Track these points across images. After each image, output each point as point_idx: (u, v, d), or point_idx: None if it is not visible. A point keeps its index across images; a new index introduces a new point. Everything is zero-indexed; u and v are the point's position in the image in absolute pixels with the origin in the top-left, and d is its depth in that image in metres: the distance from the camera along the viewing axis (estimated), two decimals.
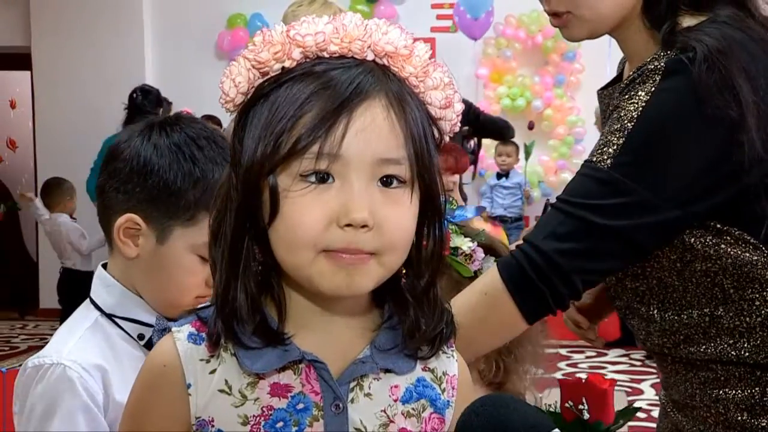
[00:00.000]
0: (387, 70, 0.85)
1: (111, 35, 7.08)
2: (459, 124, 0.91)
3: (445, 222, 1.25)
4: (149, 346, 1.21)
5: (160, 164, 1.19)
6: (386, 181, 0.82)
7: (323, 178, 0.81)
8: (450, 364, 0.93)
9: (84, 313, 1.24)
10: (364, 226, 0.80)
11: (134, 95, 5.29)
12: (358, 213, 0.79)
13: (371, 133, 0.81)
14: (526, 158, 5.80)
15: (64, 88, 7.12)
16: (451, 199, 1.29)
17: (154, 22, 7.28)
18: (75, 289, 5.31)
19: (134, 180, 1.20)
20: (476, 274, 1.28)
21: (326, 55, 0.84)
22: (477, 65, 6.87)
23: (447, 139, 0.90)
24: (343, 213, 0.80)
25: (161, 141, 1.21)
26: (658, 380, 5.11)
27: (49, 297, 6.87)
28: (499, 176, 6.64)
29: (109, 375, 1.16)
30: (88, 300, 1.25)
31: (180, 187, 1.19)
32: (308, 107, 0.81)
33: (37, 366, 1.16)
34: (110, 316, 1.22)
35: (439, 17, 6.81)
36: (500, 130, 5.91)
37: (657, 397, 4.83)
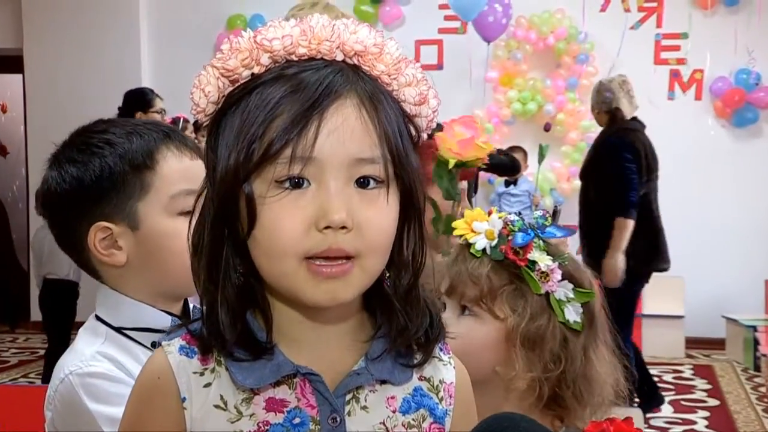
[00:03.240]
0: (358, 70, 0.87)
1: (106, 37, 7.12)
2: (435, 121, 0.92)
3: (532, 233, 1.27)
4: None
5: (81, 168, 1.25)
6: (363, 182, 0.84)
7: (298, 183, 0.82)
8: (446, 371, 0.94)
9: (92, 329, 1.27)
10: (343, 228, 0.82)
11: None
12: (336, 214, 0.81)
13: (344, 133, 0.82)
14: (540, 161, 5.80)
15: (57, 91, 7.15)
16: (547, 215, 1.32)
17: (151, 23, 7.32)
18: (68, 300, 5.31)
19: (73, 199, 1.25)
20: (548, 297, 1.28)
21: (295, 59, 0.85)
22: (486, 68, 6.88)
23: (424, 136, 0.92)
24: (321, 215, 0.81)
25: (70, 154, 1.28)
26: (675, 397, 5.13)
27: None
28: (507, 183, 6.65)
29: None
30: (92, 318, 1.29)
31: (111, 170, 1.24)
32: (279, 111, 0.82)
33: (66, 380, 1.19)
34: (119, 330, 1.25)
35: (447, 18, 6.83)
36: (511, 170, 6.05)
37: (675, 415, 4.83)
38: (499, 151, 4.72)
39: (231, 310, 0.85)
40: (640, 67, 6.64)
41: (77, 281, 5.29)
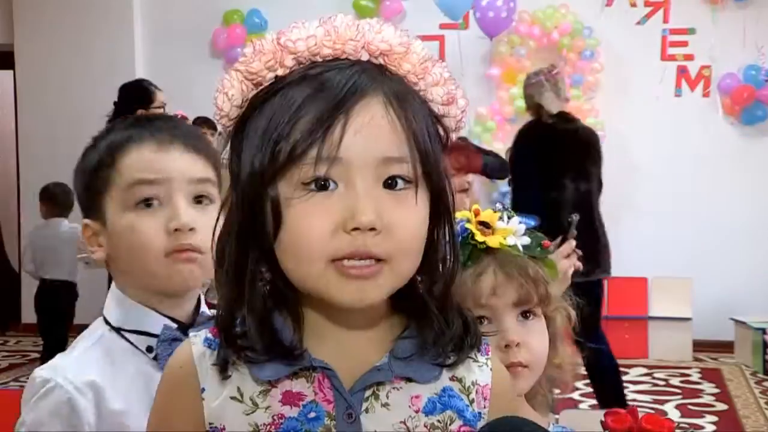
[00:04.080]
0: (384, 69, 0.86)
1: (99, 32, 7.10)
2: (465, 121, 0.92)
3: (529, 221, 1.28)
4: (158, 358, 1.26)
5: (74, 181, 1.33)
6: (391, 182, 0.83)
7: (324, 185, 0.82)
8: (482, 373, 0.94)
9: (92, 329, 1.29)
10: (372, 230, 0.81)
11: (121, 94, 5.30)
12: (365, 215, 0.81)
13: (370, 131, 0.82)
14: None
15: (48, 88, 7.14)
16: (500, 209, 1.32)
17: (145, 18, 7.30)
18: (67, 302, 5.29)
19: (77, 192, 1.34)
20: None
21: (319, 59, 0.85)
22: (488, 65, 6.87)
23: (453, 137, 0.92)
24: (349, 217, 0.81)
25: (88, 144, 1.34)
26: (683, 401, 5.11)
27: (31, 311, 6.87)
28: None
29: (103, 391, 1.19)
30: (100, 317, 1.31)
31: (86, 166, 1.30)
32: (304, 111, 0.82)
33: (37, 379, 1.21)
34: (118, 330, 1.26)
35: None
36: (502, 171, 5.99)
37: (682, 420, 4.82)
38: (486, 151, 4.68)
39: (260, 317, 0.87)
40: (646, 64, 6.64)
41: (75, 282, 5.28)
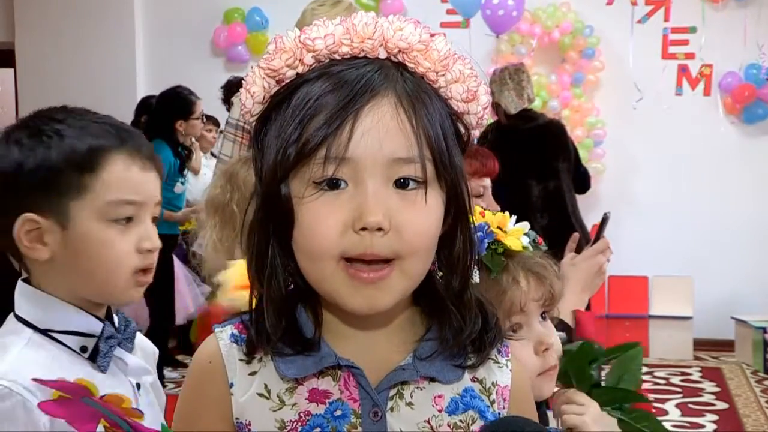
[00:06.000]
0: (402, 67, 0.87)
1: (100, 30, 7.10)
2: (487, 118, 0.92)
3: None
4: (94, 357, 1.23)
5: (24, 153, 1.23)
6: (403, 182, 0.84)
7: (335, 184, 0.83)
8: (502, 374, 0.95)
9: (12, 332, 1.23)
10: (380, 230, 0.82)
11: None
12: (372, 216, 0.82)
13: (378, 133, 0.83)
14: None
15: (49, 86, 7.13)
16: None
17: (146, 16, 7.29)
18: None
19: (9, 183, 1.23)
20: None
21: (338, 57, 0.86)
22: (490, 63, 6.87)
23: (476, 134, 0.92)
24: (357, 216, 0.82)
25: (19, 135, 1.25)
26: (683, 400, 5.11)
27: None
28: None
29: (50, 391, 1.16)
30: (12, 319, 1.25)
31: (52, 163, 1.22)
32: (317, 109, 0.84)
33: None
34: (45, 333, 1.22)
35: (449, 11, 6.80)
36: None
37: (682, 419, 4.82)
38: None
39: (277, 309, 0.88)
40: (647, 62, 6.64)
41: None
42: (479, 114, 0.91)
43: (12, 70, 7.57)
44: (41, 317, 1.23)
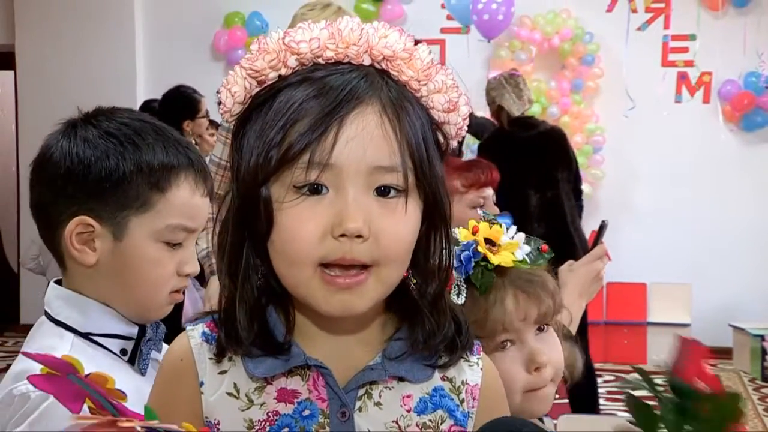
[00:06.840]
0: (386, 75, 0.87)
1: (100, 34, 7.11)
2: (466, 129, 0.93)
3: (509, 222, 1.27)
4: (133, 360, 1.23)
5: (96, 155, 1.20)
6: (383, 190, 0.84)
7: (316, 189, 0.83)
8: (472, 372, 0.95)
9: (54, 334, 1.21)
10: (359, 237, 0.82)
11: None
12: (352, 222, 0.82)
13: (363, 140, 0.83)
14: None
15: (49, 89, 7.14)
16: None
17: (147, 20, 7.30)
18: None
19: (72, 181, 1.20)
20: None
21: (322, 62, 0.86)
22: (489, 69, 6.87)
23: (454, 144, 0.92)
24: (336, 223, 0.82)
25: (90, 134, 1.22)
26: None
27: (30, 312, 6.87)
28: None
29: None
30: (48, 323, 1.22)
31: (123, 173, 1.19)
32: (301, 114, 0.83)
33: (31, 395, 1.11)
34: (87, 336, 1.21)
35: (449, 17, 6.82)
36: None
37: None
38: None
39: (249, 310, 0.87)
40: (647, 70, 6.65)
41: None
42: (459, 125, 0.91)
43: (12, 72, 7.57)
44: (82, 321, 1.21)
